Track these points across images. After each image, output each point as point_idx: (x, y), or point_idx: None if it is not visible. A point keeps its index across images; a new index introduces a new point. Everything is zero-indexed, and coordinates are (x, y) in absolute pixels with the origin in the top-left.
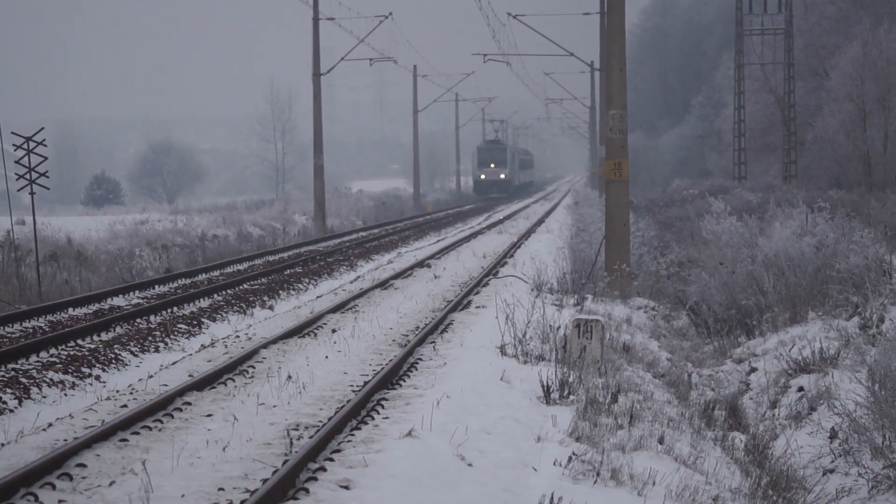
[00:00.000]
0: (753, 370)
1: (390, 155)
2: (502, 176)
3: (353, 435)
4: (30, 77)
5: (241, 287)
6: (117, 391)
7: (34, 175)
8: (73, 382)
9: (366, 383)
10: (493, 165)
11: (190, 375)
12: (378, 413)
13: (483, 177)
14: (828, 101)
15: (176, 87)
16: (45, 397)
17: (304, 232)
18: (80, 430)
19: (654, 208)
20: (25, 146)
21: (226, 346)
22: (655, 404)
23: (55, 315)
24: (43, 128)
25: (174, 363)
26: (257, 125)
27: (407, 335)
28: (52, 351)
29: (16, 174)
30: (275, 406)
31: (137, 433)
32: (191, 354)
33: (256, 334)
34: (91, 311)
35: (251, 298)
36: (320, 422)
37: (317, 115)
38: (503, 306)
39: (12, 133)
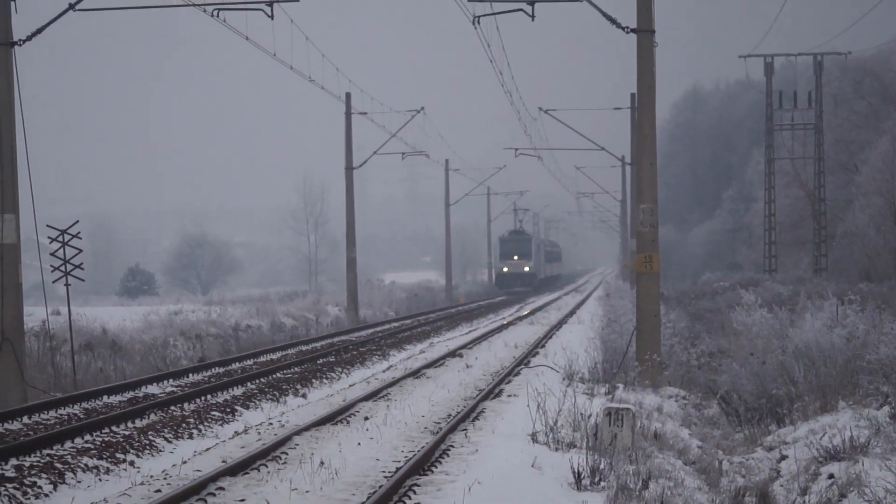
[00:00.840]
0: (784, 458)
1: (422, 247)
2: (526, 269)
3: None
4: (65, 170)
5: (274, 376)
6: (151, 476)
7: (69, 267)
8: (108, 468)
9: (398, 469)
10: (516, 257)
11: (223, 461)
12: (409, 499)
13: (506, 269)
14: (858, 196)
15: (209, 180)
16: (79, 482)
17: (337, 322)
18: None
19: (684, 300)
20: (61, 239)
21: (259, 433)
22: (686, 491)
23: (90, 402)
24: (78, 221)
25: (208, 449)
26: (290, 218)
27: (439, 423)
28: (87, 437)
29: (51, 266)
30: (307, 491)
31: None
32: (224, 441)
33: (289, 422)
34: (125, 399)
35: (284, 387)
36: None
37: (349, 209)
38: (534, 395)
39: (48, 226)
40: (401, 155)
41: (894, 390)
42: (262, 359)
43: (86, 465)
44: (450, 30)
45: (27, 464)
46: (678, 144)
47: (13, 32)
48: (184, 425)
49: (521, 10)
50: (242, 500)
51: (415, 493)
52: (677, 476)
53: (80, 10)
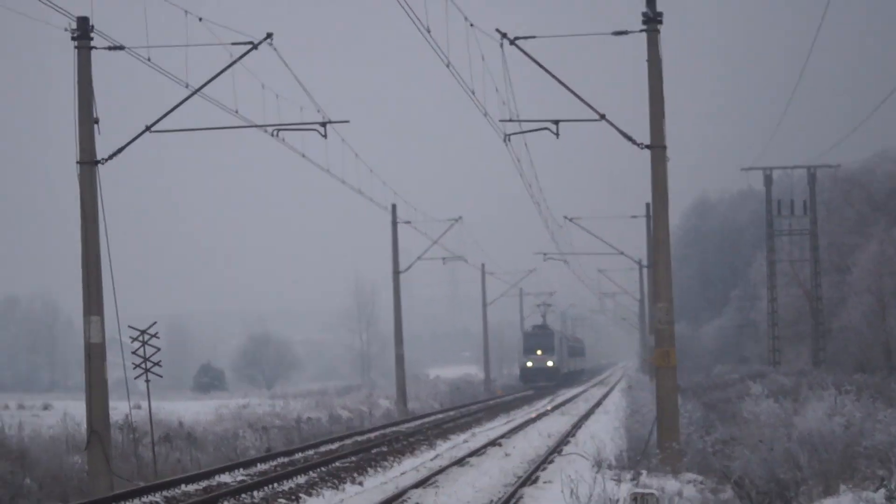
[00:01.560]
0: None
1: (462, 344)
2: (549, 363)
3: None
4: (144, 276)
5: (333, 465)
6: None
7: (149, 364)
8: None
9: None
10: (539, 352)
11: None
12: None
13: (529, 364)
14: (850, 294)
15: (273, 284)
16: None
17: (388, 414)
18: None
19: (699, 391)
20: (141, 339)
21: None
22: None
23: (170, 491)
24: (156, 322)
25: None
26: (345, 318)
27: None
28: None
29: (133, 363)
30: None
31: None
32: None
33: None
34: (201, 488)
35: (342, 475)
36: None
37: (397, 309)
38: (567, 481)
39: (129, 327)
40: (441, 260)
41: (889, 474)
42: (322, 449)
43: None
44: (484, 146)
45: None
46: (689, 249)
47: (97, 152)
48: None
49: (546, 128)
50: None
51: None
52: None
53: (155, 131)
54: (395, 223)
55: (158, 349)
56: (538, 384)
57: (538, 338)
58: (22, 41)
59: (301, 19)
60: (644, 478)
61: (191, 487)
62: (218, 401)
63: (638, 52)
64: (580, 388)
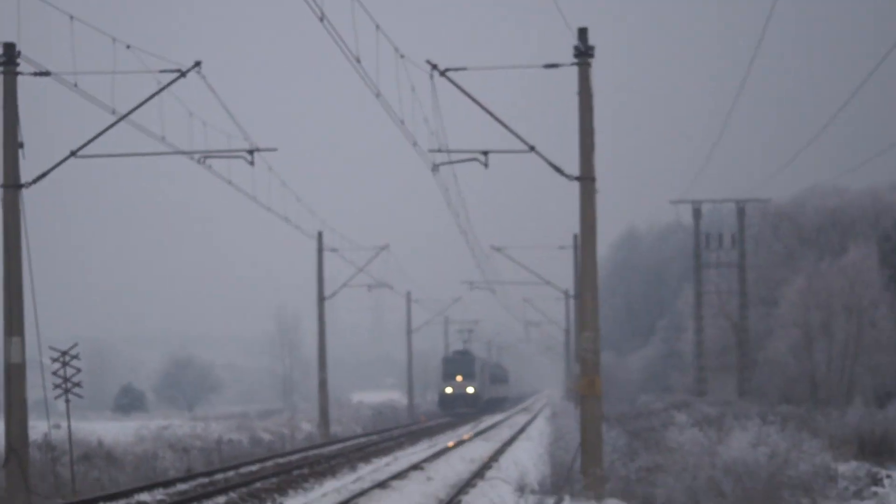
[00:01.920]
0: None
1: (387, 370)
2: (470, 390)
3: None
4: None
5: (254, 486)
6: None
7: (69, 385)
8: None
9: None
10: (459, 378)
11: None
12: None
13: (449, 390)
14: (777, 327)
15: (195, 309)
16: None
17: (310, 437)
18: None
19: (623, 420)
20: (62, 359)
21: None
22: None
23: None
24: (77, 343)
25: None
26: (267, 343)
27: None
28: None
29: (53, 384)
30: None
31: None
32: None
33: None
34: None
35: (263, 496)
36: None
37: (321, 336)
38: None
39: (50, 348)
40: (367, 287)
41: (812, 503)
42: (243, 470)
43: None
44: (413, 176)
45: None
46: (616, 279)
47: (21, 176)
48: None
49: (475, 159)
50: None
51: None
52: None
53: (80, 156)
54: (320, 250)
55: (79, 370)
56: (458, 411)
57: (458, 363)
58: None
59: (230, 47)
60: (567, 503)
61: None
62: (138, 422)
63: (569, 85)
64: (503, 415)
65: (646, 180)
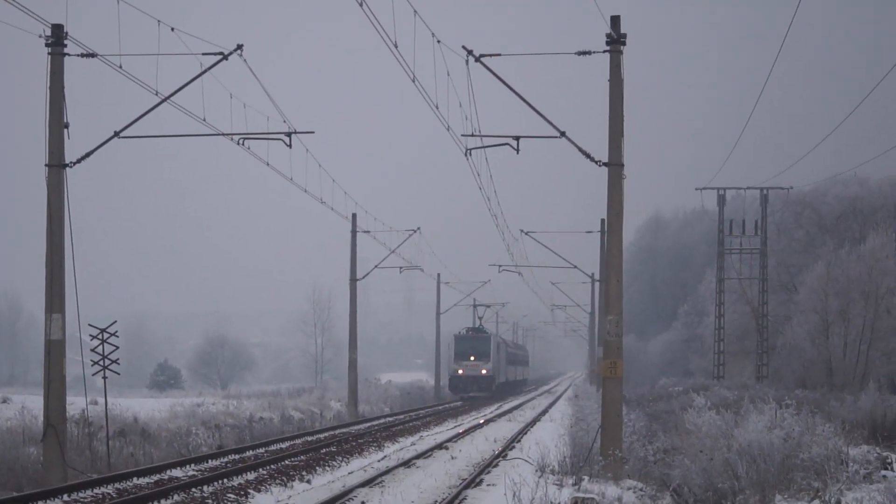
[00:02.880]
0: None
1: (415, 350)
2: (484, 371)
3: None
4: (106, 276)
5: (283, 463)
6: None
7: (107, 362)
8: None
9: None
10: (472, 358)
11: None
12: None
13: (460, 371)
14: (796, 313)
15: (231, 288)
16: None
17: (339, 416)
18: None
19: (643, 402)
20: (100, 337)
21: None
22: None
23: (122, 483)
24: (115, 321)
25: None
26: (301, 323)
27: None
28: None
29: (91, 360)
30: None
31: None
32: None
33: None
34: (153, 481)
35: (292, 473)
36: None
37: (352, 316)
38: (511, 484)
39: (90, 325)
40: (399, 269)
41: (824, 485)
42: (273, 447)
43: None
44: (445, 159)
45: None
46: (641, 264)
47: (65, 155)
48: None
49: (507, 143)
50: None
51: None
52: None
53: (123, 136)
54: (354, 232)
55: (117, 347)
56: (469, 394)
57: (471, 342)
58: None
59: (271, 31)
60: (586, 483)
61: (142, 480)
62: (173, 399)
63: (600, 72)
64: (528, 397)
65: (672, 167)
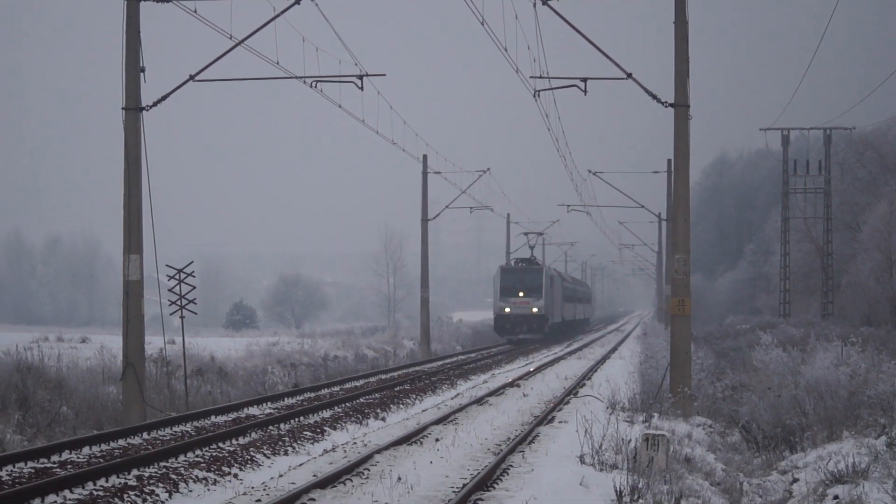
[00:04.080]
0: (795, 480)
1: (486, 290)
2: (534, 310)
3: None
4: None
5: (357, 401)
6: (252, 488)
7: (184, 301)
8: (215, 479)
9: (464, 485)
10: (521, 294)
11: (314, 476)
12: None
13: (507, 310)
14: (860, 251)
15: (305, 228)
16: (191, 491)
17: (412, 355)
18: None
19: (711, 340)
20: (177, 277)
21: (345, 451)
22: None
23: (200, 421)
24: (192, 262)
25: (301, 465)
26: (373, 262)
27: (499, 445)
28: (198, 452)
29: (169, 300)
30: (387, 503)
31: None
32: (315, 458)
33: (371, 442)
34: (230, 419)
35: (366, 411)
36: None
37: (424, 255)
38: (582, 421)
39: (167, 266)
40: (469, 209)
41: (890, 422)
42: (347, 385)
43: (196, 476)
44: (514, 101)
45: (146, 474)
46: (707, 204)
47: (142, 99)
48: (280, 443)
49: (575, 85)
50: None
51: None
52: (705, 495)
53: (198, 80)
54: (425, 173)
55: (193, 287)
56: (517, 337)
57: (520, 275)
58: None
59: None
60: (656, 420)
61: (220, 418)
62: (249, 338)
63: (666, 13)
64: (597, 335)
65: (737, 108)
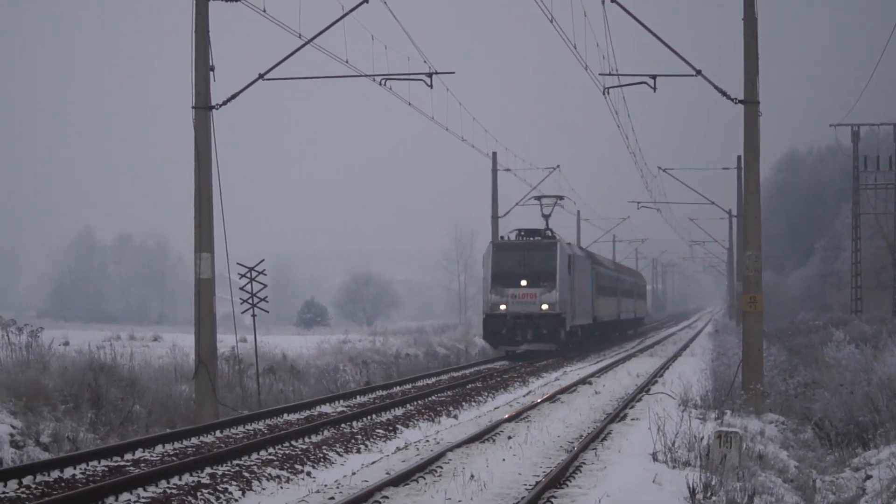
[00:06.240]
0: (869, 477)
1: None
2: (544, 306)
3: None
4: (253, 216)
5: (429, 399)
6: (325, 486)
7: (256, 300)
8: (288, 477)
9: (537, 483)
10: (524, 283)
11: (387, 473)
12: None
13: (503, 307)
14: None
15: (376, 226)
16: (264, 489)
17: (483, 352)
18: None
19: (783, 337)
20: (249, 275)
21: (417, 449)
22: None
23: (272, 419)
24: (263, 259)
25: (373, 463)
26: (443, 260)
27: (572, 442)
28: (270, 450)
29: (240, 299)
30: (460, 502)
31: None
32: (387, 455)
33: (443, 439)
34: (302, 417)
35: (438, 408)
36: None
37: None
38: (654, 419)
39: (238, 264)
40: (537, 201)
41: None
42: (419, 383)
43: (269, 474)
44: (584, 98)
45: (220, 472)
46: (777, 200)
47: (211, 97)
48: (353, 441)
49: (644, 82)
50: None
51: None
52: (778, 493)
53: (268, 78)
54: (495, 170)
55: (265, 286)
56: (519, 348)
57: (522, 252)
58: None
59: None
60: (728, 417)
61: (293, 416)
62: (320, 336)
63: (735, 9)
64: (668, 332)
65: (806, 104)
